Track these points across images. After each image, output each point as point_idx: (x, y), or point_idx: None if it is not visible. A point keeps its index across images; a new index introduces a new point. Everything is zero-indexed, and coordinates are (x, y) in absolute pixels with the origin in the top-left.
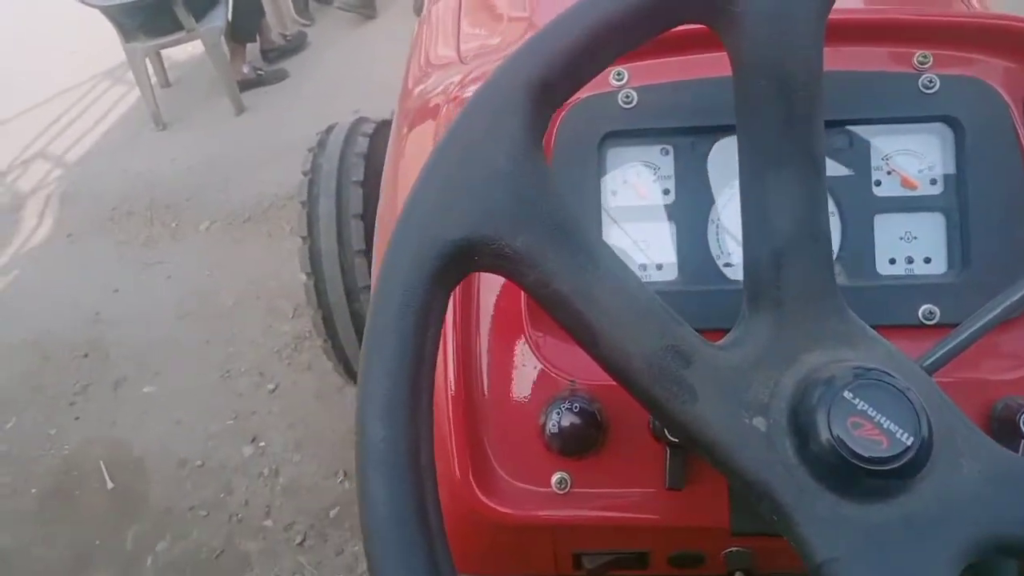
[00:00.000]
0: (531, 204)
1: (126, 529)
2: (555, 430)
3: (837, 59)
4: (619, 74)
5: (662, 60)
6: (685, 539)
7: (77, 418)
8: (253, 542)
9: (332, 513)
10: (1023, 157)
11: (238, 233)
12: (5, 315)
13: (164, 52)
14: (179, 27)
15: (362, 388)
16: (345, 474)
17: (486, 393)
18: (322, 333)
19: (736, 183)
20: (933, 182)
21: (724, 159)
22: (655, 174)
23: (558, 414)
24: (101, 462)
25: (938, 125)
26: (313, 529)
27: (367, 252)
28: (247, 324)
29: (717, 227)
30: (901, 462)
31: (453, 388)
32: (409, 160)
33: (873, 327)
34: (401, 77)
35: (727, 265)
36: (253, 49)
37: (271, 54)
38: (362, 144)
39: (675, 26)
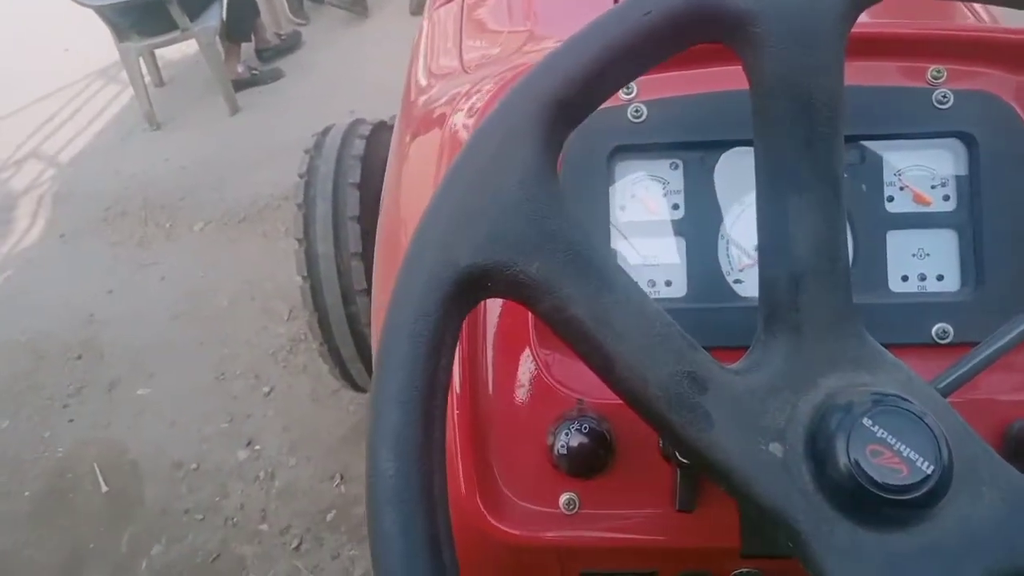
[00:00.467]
0: (546, 230)
1: (121, 532)
2: (563, 451)
3: (850, 73)
4: (628, 88)
5: (671, 74)
6: (693, 560)
7: (71, 420)
8: (249, 546)
9: (328, 517)
10: None
11: (233, 233)
12: None
13: (158, 51)
14: (173, 26)
15: (373, 418)
16: (341, 477)
17: (493, 412)
18: (318, 336)
19: (746, 198)
20: (946, 198)
21: (734, 174)
22: (664, 189)
23: (567, 434)
24: (95, 464)
25: (952, 140)
26: (309, 533)
27: (363, 255)
28: (242, 326)
29: (727, 243)
30: (921, 491)
31: (459, 407)
32: (412, 168)
33: (886, 346)
34: (397, 78)
35: (737, 282)
36: (248, 48)
37: (266, 53)
38: (359, 146)
39: (692, 46)
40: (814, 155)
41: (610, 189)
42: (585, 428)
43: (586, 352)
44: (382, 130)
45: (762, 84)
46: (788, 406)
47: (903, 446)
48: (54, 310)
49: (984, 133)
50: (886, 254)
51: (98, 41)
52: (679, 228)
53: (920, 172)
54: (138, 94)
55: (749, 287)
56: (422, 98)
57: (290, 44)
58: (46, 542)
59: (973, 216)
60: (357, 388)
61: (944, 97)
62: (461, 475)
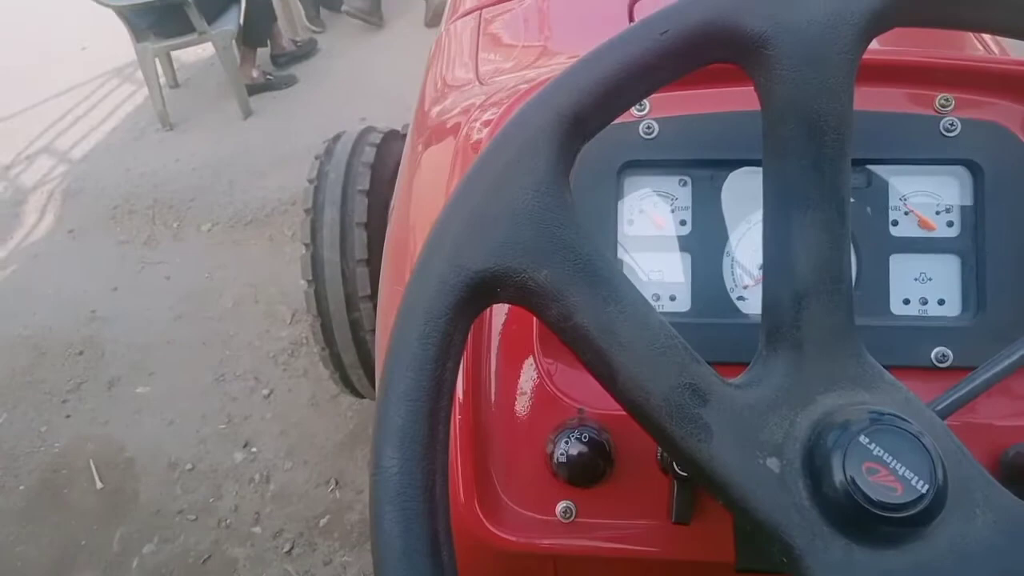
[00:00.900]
0: (557, 238)
1: (113, 530)
2: (563, 459)
3: (860, 99)
4: (641, 104)
5: (684, 92)
6: (688, 573)
7: (69, 416)
8: (240, 548)
9: (322, 522)
10: None
11: (240, 236)
12: (1, 309)
13: (174, 53)
14: (191, 29)
15: (379, 417)
16: (336, 483)
17: (494, 419)
18: (320, 341)
19: (752, 217)
20: (950, 224)
21: (741, 193)
22: (672, 205)
23: (566, 443)
24: (91, 461)
25: (958, 168)
26: (302, 537)
27: (369, 261)
28: (245, 328)
29: (732, 260)
30: (915, 510)
31: (461, 413)
32: (424, 177)
33: (885, 368)
34: (409, 88)
35: (740, 299)
36: (263, 54)
37: (281, 59)
38: (369, 154)
39: (706, 65)
40: (821, 176)
41: (619, 203)
42: (585, 437)
43: (590, 361)
44: (393, 138)
45: (773, 105)
46: (786, 422)
47: (899, 465)
48: (58, 306)
49: (990, 162)
50: (889, 277)
51: (116, 41)
52: (686, 244)
53: (925, 198)
54: (152, 94)
55: (752, 304)
56: (436, 108)
57: (305, 51)
58: (37, 537)
59: (976, 243)
60: (357, 394)
61: (951, 125)
62: (460, 480)
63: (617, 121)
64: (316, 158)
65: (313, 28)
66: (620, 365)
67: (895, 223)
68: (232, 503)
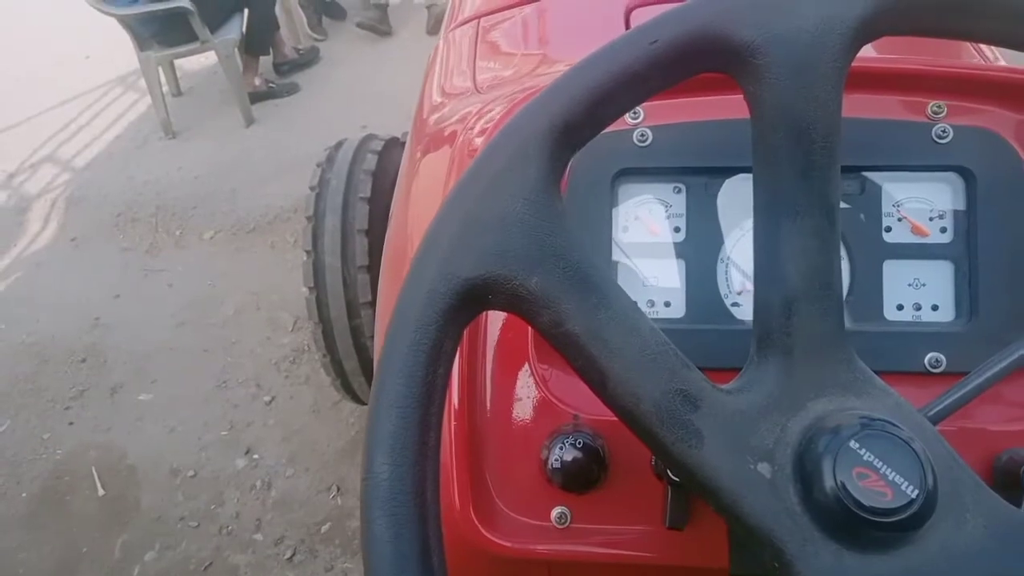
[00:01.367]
0: (547, 246)
1: (115, 537)
2: (557, 464)
3: (852, 106)
4: (635, 112)
5: (678, 101)
6: None
7: (71, 423)
8: (242, 555)
9: (323, 529)
10: None
11: (242, 243)
12: (5, 317)
13: (177, 61)
14: (194, 38)
15: (370, 424)
16: (338, 489)
17: (489, 425)
18: (321, 347)
19: (746, 224)
20: (943, 230)
21: (735, 200)
22: (667, 212)
23: (561, 448)
24: (93, 468)
25: (950, 174)
26: (303, 544)
27: (370, 268)
28: (247, 335)
29: (727, 266)
30: (905, 514)
31: (456, 419)
32: (422, 184)
33: (879, 373)
34: (410, 96)
35: (735, 305)
36: (265, 62)
37: (283, 67)
38: (370, 161)
39: (696, 74)
40: (810, 184)
41: (614, 210)
42: (579, 443)
43: (581, 367)
44: (394, 146)
45: (762, 113)
46: (777, 427)
47: (889, 470)
48: (61, 313)
49: (982, 168)
50: (882, 283)
51: (119, 50)
52: (680, 251)
53: (918, 204)
54: (155, 103)
55: (746, 311)
56: (434, 116)
57: (308, 59)
58: (40, 545)
59: (969, 249)
60: (358, 400)
61: (944, 132)
62: (455, 485)
63: (611, 129)
64: (318, 165)
65: (315, 36)
66: (611, 371)
67: (888, 229)
68: (234, 510)
